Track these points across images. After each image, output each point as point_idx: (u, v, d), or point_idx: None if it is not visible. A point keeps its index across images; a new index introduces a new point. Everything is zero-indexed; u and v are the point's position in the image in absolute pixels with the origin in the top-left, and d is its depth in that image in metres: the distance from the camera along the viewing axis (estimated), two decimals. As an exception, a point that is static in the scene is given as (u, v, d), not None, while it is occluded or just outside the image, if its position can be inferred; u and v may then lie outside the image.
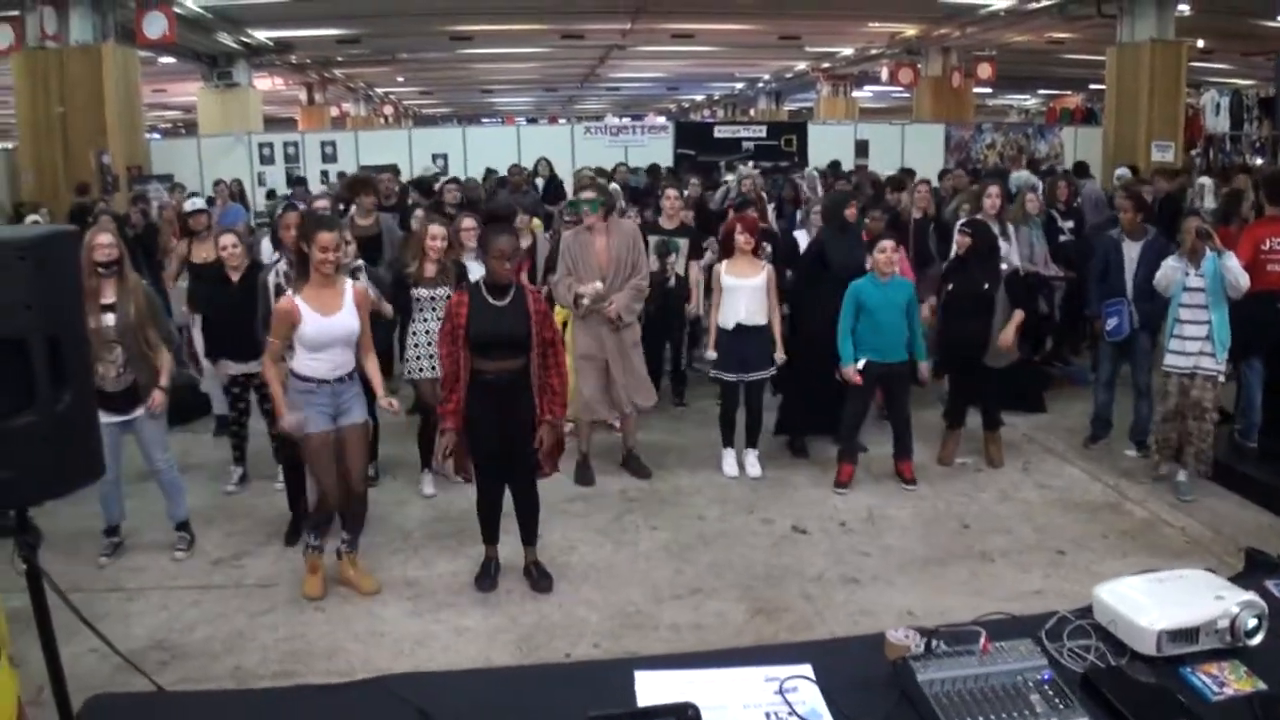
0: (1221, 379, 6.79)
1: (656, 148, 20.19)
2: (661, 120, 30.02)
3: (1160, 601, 2.69)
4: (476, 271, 6.37)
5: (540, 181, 15.22)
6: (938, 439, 7.75)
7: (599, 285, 6.96)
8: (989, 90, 32.00)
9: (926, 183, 10.25)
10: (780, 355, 7.29)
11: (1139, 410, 7.69)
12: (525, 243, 8.43)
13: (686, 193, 10.75)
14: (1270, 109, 18.74)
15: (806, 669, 2.66)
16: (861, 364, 6.95)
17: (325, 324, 5.33)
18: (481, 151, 19.56)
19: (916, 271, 8.22)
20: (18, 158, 17.09)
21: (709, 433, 7.75)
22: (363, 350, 5.58)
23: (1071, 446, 8.03)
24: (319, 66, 27.89)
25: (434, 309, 6.77)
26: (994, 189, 8.56)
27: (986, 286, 7.34)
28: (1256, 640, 2.61)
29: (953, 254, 7.65)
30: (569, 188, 12.96)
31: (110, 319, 5.75)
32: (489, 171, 16.58)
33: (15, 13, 15.61)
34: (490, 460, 5.53)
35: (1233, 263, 6.50)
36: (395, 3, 19.54)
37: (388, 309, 6.74)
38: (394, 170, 14.98)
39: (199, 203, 9.48)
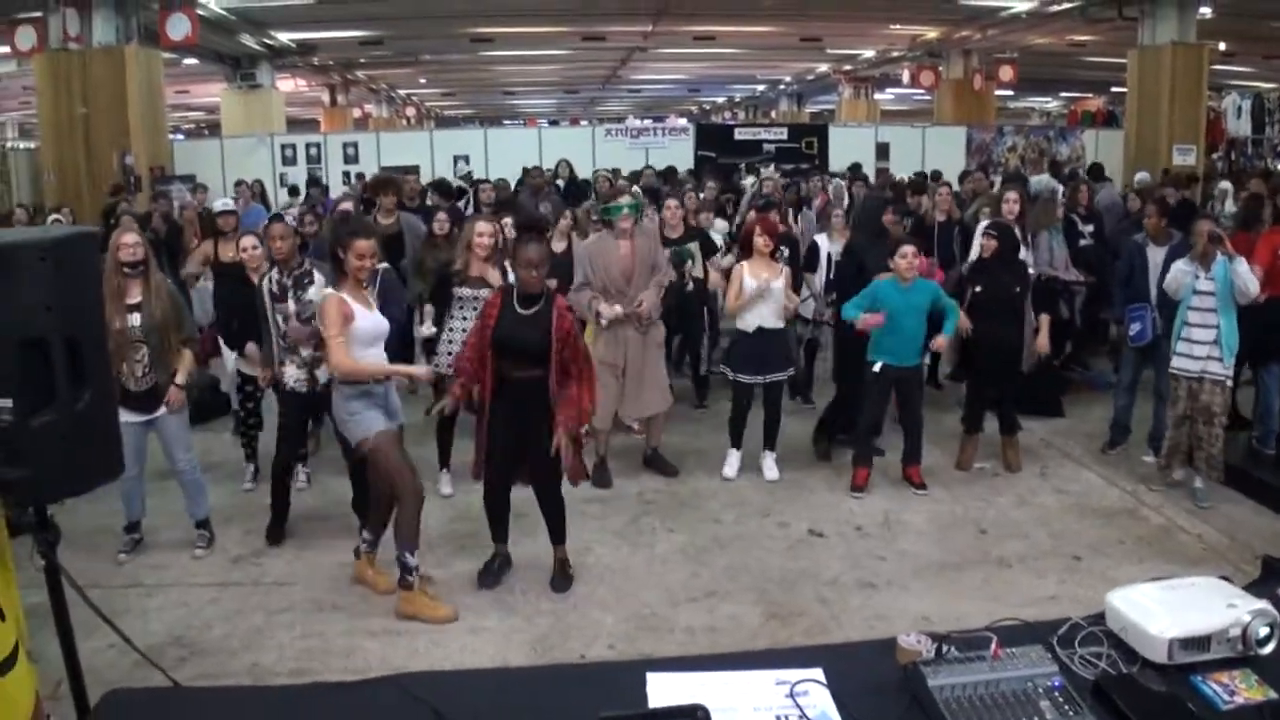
0: (1230, 383, 6.76)
1: (677, 150, 20.20)
2: (682, 122, 30.06)
3: (1172, 609, 2.69)
4: None
5: (561, 183, 15.25)
6: (956, 443, 7.72)
7: (619, 310, 6.99)
8: (1010, 92, 31.93)
9: (949, 185, 10.27)
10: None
11: (1158, 416, 7.63)
12: (560, 247, 8.49)
13: (703, 195, 10.83)
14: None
15: (817, 673, 2.67)
16: (878, 367, 6.95)
17: (373, 319, 5.41)
18: (503, 153, 19.57)
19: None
20: (41, 158, 17.19)
21: (728, 437, 7.75)
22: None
23: (1089, 452, 8.00)
24: (341, 68, 28.01)
25: (475, 309, 6.55)
26: (1012, 195, 8.53)
27: (1018, 290, 7.34)
28: (1268, 649, 2.61)
29: (974, 256, 7.63)
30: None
31: (136, 319, 5.78)
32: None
33: (38, 14, 15.72)
34: (502, 455, 5.54)
35: (1243, 268, 6.46)
36: (417, 5, 19.59)
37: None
38: (415, 172, 15.03)
39: (229, 203, 9.50)
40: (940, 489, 7.19)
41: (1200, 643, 2.61)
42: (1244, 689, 2.52)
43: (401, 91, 35.49)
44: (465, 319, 6.73)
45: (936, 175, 12.76)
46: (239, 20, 19.63)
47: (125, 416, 5.01)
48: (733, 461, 7.51)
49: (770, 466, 7.47)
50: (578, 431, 5.52)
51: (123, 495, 6.07)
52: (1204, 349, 6.63)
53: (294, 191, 17.26)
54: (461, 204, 12.27)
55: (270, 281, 6.42)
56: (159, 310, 5.84)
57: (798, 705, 2.56)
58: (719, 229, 8.94)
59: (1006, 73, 25.10)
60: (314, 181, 17.12)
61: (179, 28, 15.98)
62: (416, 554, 5.37)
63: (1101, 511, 6.85)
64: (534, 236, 5.89)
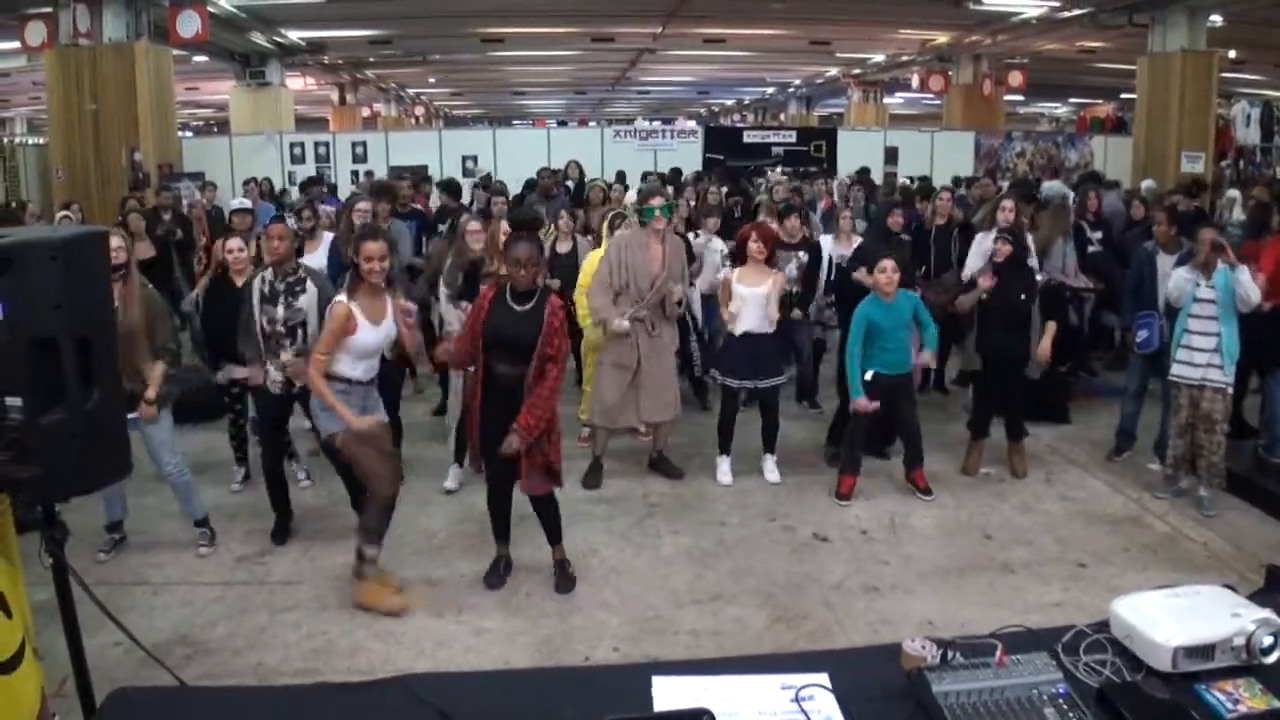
0: (1230, 391, 6.75)
1: (685, 152, 20.19)
2: (691, 124, 30.04)
3: (1176, 617, 2.69)
4: None
5: (570, 184, 15.23)
6: (962, 449, 7.72)
7: (626, 325, 6.97)
8: (1020, 98, 31.86)
9: (950, 190, 10.29)
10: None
11: (1165, 423, 7.63)
12: (564, 247, 8.52)
13: (709, 199, 10.82)
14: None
15: (823, 678, 2.67)
16: (869, 375, 6.95)
17: (376, 333, 5.44)
18: (512, 154, 19.63)
19: (935, 277, 8.22)
20: (50, 154, 17.25)
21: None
22: (406, 347, 5.75)
23: (1095, 458, 7.99)
24: (351, 67, 28.05)
25: None
26: (1008, 203, 8.44)
27: (1024, 297, 7.34)
28: (1273, 658, 2.61)
29: (988, 260, 7.62)
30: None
31: None
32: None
33: (49, 10, 15.78)
34: (495, 452, 5.54)
35: (1245, 276, 6.46)
36: (427, 5, 19.61)
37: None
38: (424, 171, 15.01)
39: (245, 202, 9.46)
40: (945, 494, 7.19)
41: (1204, 651, 2.61)
42: (1248, 698, 2.51)
43: (411, 91, 35.49)
44: None
45: (928, 192, 12.46)
46: (249, 18, 19.66)
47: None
48: (724, 467, 7.47)
49: (771, 469, 7.46)
50: (532, 437, 5.34)
51: (104, 496, 5.97)
52: (1204, 356, 6.62)
53: (304, 187, 17.24)
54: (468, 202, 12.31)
55: (262, 282, 6.28)
56: (132, 314, 5.71)
57: (803, 710, 2.56)
58: (715, 248, 8.78)
59: (1016, 78, 25.07)
60: (313, 180, 17.05)
61: (189, 24, 16.02)
62: (376, 548, 5.50)
63: (1107, 518, 6.84)
64: (524, 235, 5.87)
